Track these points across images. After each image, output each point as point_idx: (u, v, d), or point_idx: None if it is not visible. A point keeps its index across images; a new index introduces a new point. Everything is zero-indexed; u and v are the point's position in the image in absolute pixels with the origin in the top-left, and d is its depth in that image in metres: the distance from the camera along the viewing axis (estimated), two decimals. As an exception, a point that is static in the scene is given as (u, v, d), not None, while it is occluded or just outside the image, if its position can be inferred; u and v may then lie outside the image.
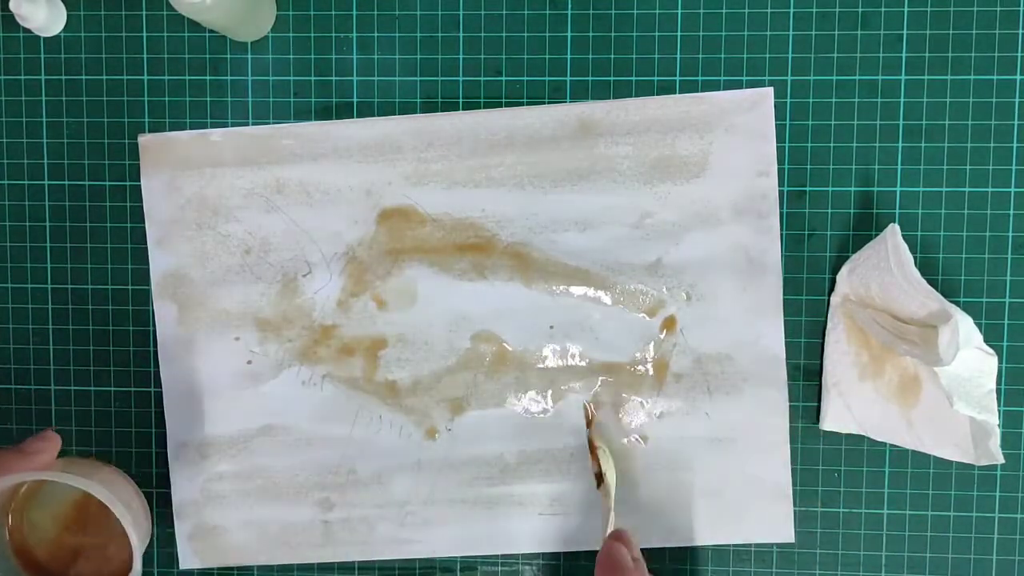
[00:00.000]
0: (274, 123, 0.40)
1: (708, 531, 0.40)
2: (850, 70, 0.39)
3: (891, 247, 0.37)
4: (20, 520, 0.38)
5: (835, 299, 0.39)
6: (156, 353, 0.41)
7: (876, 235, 0.38)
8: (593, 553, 0.40)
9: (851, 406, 0.39)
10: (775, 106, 0.39)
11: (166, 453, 0.41)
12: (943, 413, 0.38)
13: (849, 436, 0.40)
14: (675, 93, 0.39)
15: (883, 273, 0.37)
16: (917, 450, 0.39)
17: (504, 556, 0.41)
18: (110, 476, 0.37)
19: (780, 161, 0.39)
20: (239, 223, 0.40)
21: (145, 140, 0.40)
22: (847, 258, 0.39)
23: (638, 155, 0.39)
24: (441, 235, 0.40)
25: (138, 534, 0.35)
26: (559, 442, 0.40)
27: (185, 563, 0.41)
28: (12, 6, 0.38)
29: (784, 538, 0.40)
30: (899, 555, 0.40)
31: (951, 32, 0.39)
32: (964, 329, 0.35)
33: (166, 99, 0.41)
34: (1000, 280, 0.39)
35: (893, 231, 0.37)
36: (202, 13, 0.35)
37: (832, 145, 0.39)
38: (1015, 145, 0.39)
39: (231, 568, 0.41)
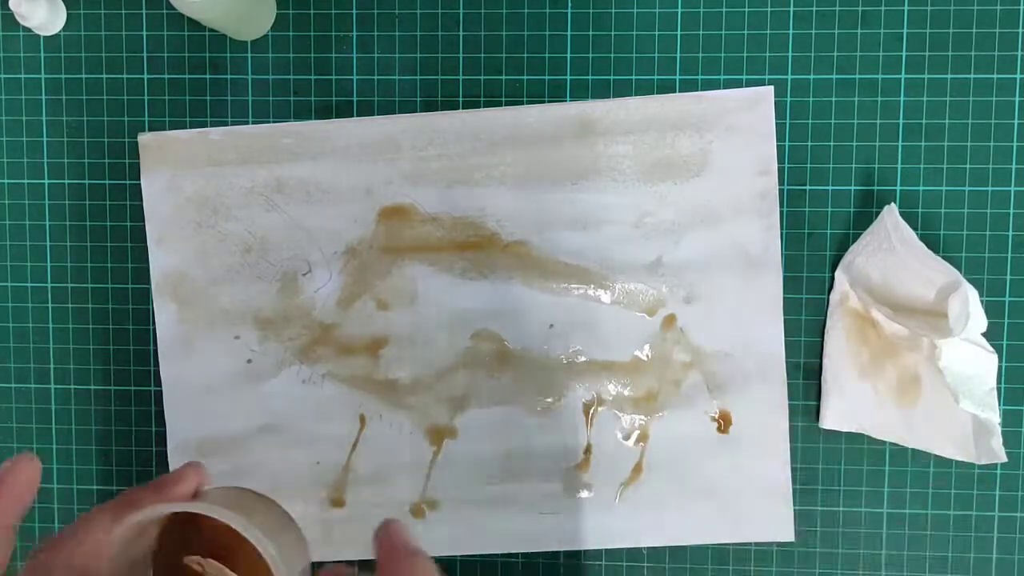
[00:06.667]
0: (274, 122, 0.40)
1: (708, 530, 0.40)
2: (850, 69, 0.39)
3: (891, 226, 0.37)
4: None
5: (835, 297, 0.39)
6: (156, 352, 0.41)
7: (876, 234, 0.38)
8: (593, 552, 0.40)
9: (851, 404, 0.39)
10: (775, 104, 0.39)
11: (166, 452, 0.41)
12: (943, 411, 0.38)
13: (849, 435, 0.40)
14: (675, 92, 0.39)
15: (885, 255, 0.37)
16: (917, 448, 0.39)
17: (504, 555, 0.41)
18: (257, 505, 0.32)
19: (780, 160, 0.39)
20: (239, 222, 0.40)
21: (145, 139, 0.40)
22: (847, 257, 0.39)
23: (638, 154, 0.39)
24: (441, 234, 0.40)
25: (287, 566, 0.29)
26: (559, 441, 0.40)
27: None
28: (12, 5, 0.38)
29: (784, 537, 0.40)
30: (899, 554, 0.40)
31: (951, 31, 0.39)
32: (974, 299, 0.35)
33: (166, 98, 0.41)
34: (1000, 279, 0.39)
35: (891, 210, 0.37)
36: (202, 12, 0.35)
37: (832, 144, 0.39)
38: (1015, 144, 0.39)
39: (231, 567, 0.41)
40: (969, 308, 0.35)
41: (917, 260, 0.36)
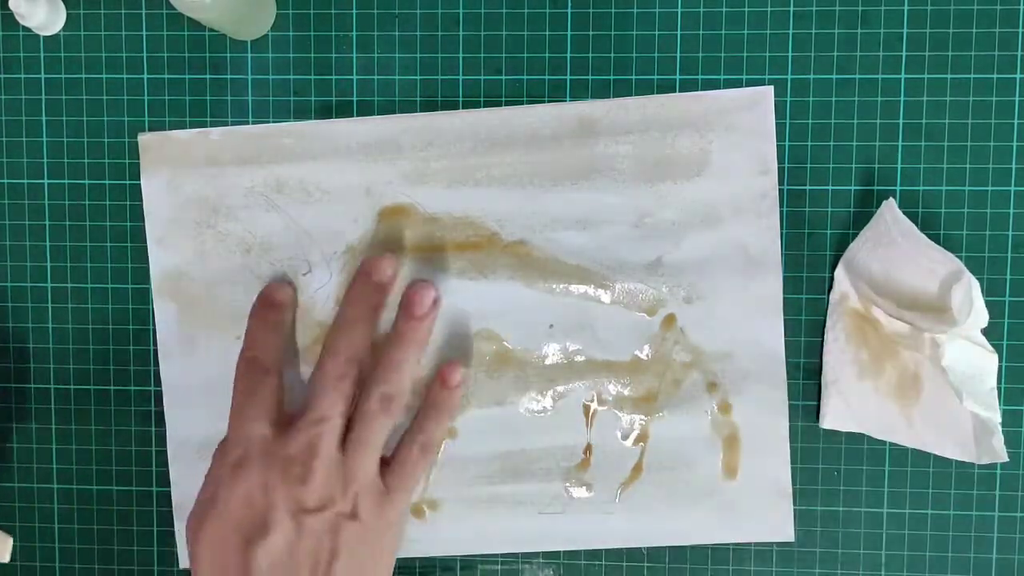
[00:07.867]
0: (274, 122, 0.40)
1: (708, 530, 0.40)
2: (850, 69, 0.39)
3: (891, 220, 0.37)
4: None
5: (835, 297, 0.39)
6: (156, 352, 0.41)
7: (876, 234, 0.38)
8: (593, 552, 0.41)
9: (851, 404, 0.39)
10: (775, 104, 0.39)
11: (166, 452, 0.41)
12: (943, 411, 0.38)
13: (849, 434, 0.40)
14: (675, 92, 0.39)
15: (886, 249, 0.37)
16: (917, 448, 0.39)
17: (504, 555, 0.41)
18: None
19: (780, 160, 0.39)
20: (239, 222, 0.40)
21: (145, 139, 0.40)
22: (847, 257, 0.39)
23: (638, 154, 0.39)
24: (441, 234, 0.40)
25: None
26: (559, 441, 0.40)
27: (185, 562, 0.41)
28: (11, 4, 0.38)
29: (784, 537, 0.40)
30: (899, 554, 0.40)
31: (951, 31, 0.39)
32: (976, 289, 0.35)
33: (166, 98, 0.41)
34: (1000, 279, 0.39)
35: (890, 205, 0.37)
36: (202, 12, 0.35)
37: (832, 144, 0.39)
38: (1015, 144, 0.39)
39: (231, 567, 0.41)
40: (972, 295, 0.35)
41: (919, 252, 0.36)
